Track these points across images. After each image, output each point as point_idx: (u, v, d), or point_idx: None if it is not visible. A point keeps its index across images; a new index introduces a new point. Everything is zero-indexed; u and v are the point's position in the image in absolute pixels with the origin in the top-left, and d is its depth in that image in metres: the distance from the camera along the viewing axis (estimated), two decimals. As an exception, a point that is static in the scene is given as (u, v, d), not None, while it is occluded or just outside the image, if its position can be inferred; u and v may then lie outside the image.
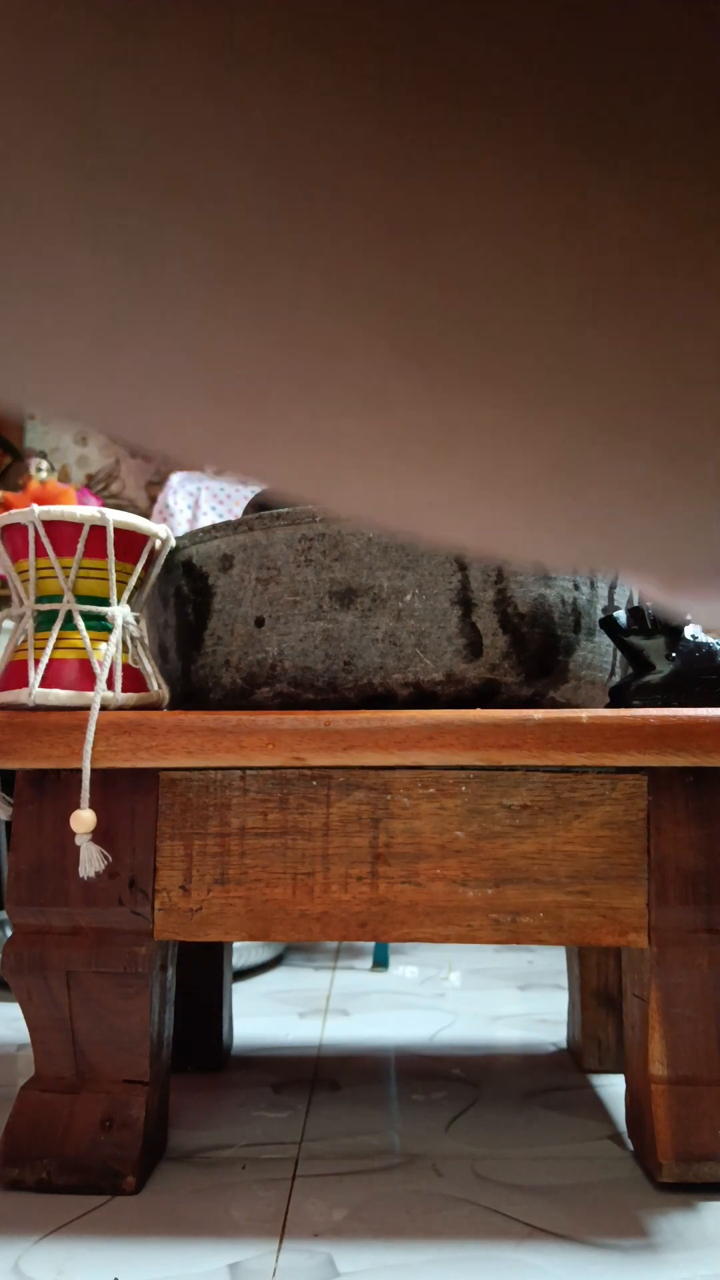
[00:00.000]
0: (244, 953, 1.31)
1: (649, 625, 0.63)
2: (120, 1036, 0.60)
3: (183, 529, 2.04)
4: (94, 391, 0.15)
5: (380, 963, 1.38)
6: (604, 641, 0.66)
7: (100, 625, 0.62)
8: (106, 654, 0.61)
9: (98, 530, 0.61)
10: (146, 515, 2.46)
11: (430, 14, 0.08)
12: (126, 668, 0.62)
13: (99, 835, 0.60)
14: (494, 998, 1.18)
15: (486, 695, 0.62)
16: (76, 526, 0.61)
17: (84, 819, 0.57)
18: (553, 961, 1.40)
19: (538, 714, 0.56)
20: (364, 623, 0.61)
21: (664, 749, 0.56)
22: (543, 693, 0.64)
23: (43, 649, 0.61)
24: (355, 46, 0.08)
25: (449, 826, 0.60)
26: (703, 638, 0.64)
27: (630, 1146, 0.66)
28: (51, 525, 0.61)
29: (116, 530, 0.62)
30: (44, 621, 0.62)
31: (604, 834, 0.60)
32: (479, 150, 0.09)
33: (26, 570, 0.62)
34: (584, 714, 0.56)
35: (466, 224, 0.10)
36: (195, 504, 2.09)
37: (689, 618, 0.67)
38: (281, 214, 0.10)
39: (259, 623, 0.63)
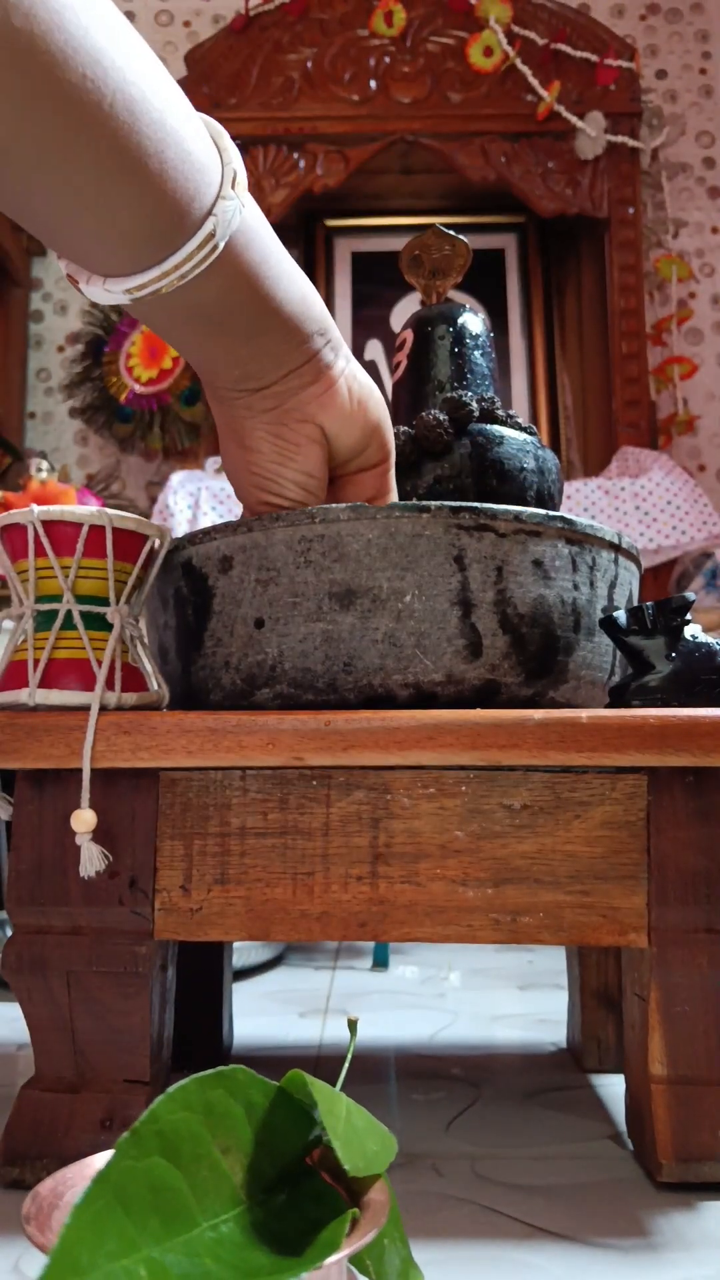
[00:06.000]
0: (244, 952, 1.31)
1: (649, 625, 0.63)
2: (120, 1036, 0.60)
3: (183, 529, 2.04)
4: None
5: (380, 963, 1.38)
6: (604, 641, 0.66)
7: (100, 625, 0.62)
8: (106, 654, 0.61)
9: (97, 530, 0.61)
10: (147, 515, 2.46)
11: None
12: (126, 668, 0.62)
13: (99, 835, 0.60)
14: (494, 998, 1.18)
15: (486, 696, 0.62)
16: (76, 526, 0.61)
17: (85, 819, 0.57)
18: (553, 961, 1.40)
19: (537, 714, 0.56)
20: (364, 624, 0.61)
21: (664, 749, 0.56)
22: (543, 693, 0.64)
23: (42, 649, 0.61)
24: None
25: (449, 826, 0.60)
26: (703, 638, 0.64)
27: (630, 1146, 0.66)
28: (51, 525, 0.61)
29: (116, 530, 0.62)
30: (43, 621, 0.62)
31: (604, 834, 0.60)
32: None
33: (26, 570, 0.62)
34: (584, 714, 0.57)
35: None
36: (195, 504, 2.09)
37: (689, 617, 0.67)
38: None
39: (259, 624, 0.63)
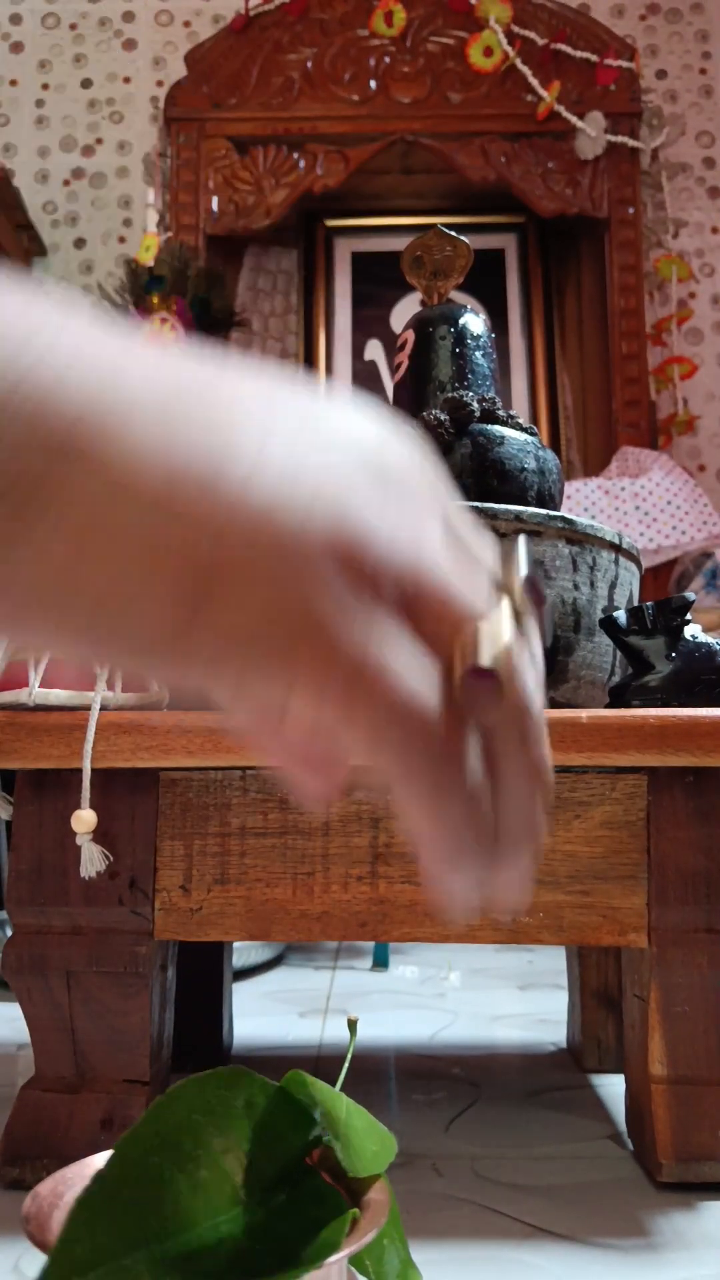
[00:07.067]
0: (244, 952, 1.31)
1: (649, 625, 0.63)
2: (120, 1036, 0.60)
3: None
4: None
5: (380, 962, 1.38)
6: (604, 641, 0.66)
7: (100, 625, 0.62)
8: (107, 654, 0.61)
9: (98, 530, 0.61)
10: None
11: None
12: (126, 668, 0.62)
13: (99, 835, 0.60)
14: (494, 997, 1.18)
15: (486, 695, 0.62)
16: (77, 527, 0.61)
17: (85, 819, 0.57)
18: (553, 961, 1.40)
19: (537, 714, 0.56)
20: (364, 623, 0.61)
21: (664, 749, 0.56)
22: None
23: (43, 649, 0.61)
24: None
25: (449, 826, 0.60)
26: (702, 638, 0.64)
27: (630, 1146, 0.66)
28: (52, 525, 0.61)
29: (116, 530, 0.62)
30: (44, 622, 0.62)
31: (604, 834, 0.60)
32: None
33: (27, 570, 0.62)
34: (584, 714, 0.56)
35: None
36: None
37: (689, 617, 0.67)
38: None
39: (259, 623, 0.63)
